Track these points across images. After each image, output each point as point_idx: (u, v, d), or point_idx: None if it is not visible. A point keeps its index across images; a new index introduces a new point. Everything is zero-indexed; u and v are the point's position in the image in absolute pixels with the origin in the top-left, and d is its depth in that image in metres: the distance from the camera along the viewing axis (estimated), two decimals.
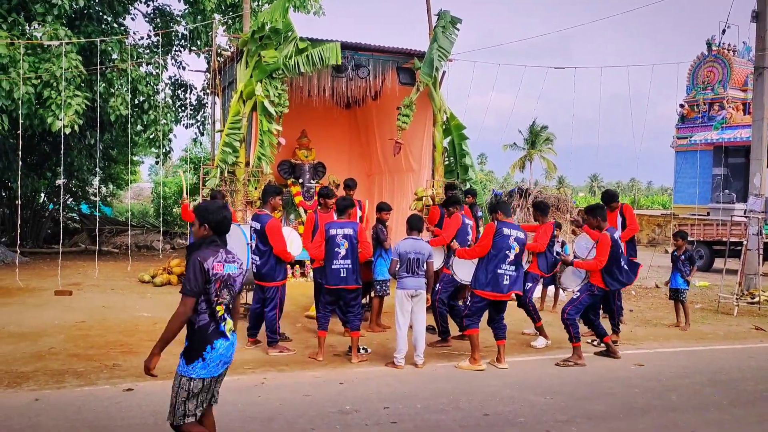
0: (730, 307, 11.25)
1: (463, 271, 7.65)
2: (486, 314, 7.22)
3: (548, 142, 61.07)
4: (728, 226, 14.99)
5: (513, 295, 7.33)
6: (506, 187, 44.90)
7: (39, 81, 12.26)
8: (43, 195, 18.65)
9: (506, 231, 7.04)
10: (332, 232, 7.32)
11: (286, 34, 11.62)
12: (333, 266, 7.25)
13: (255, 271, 7.51)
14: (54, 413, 5.21)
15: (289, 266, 8.16)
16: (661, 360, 7.77)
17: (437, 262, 8.10)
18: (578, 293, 7.53)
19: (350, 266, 7.24)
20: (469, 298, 7.27)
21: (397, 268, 7.08)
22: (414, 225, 7.27)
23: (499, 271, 6.97)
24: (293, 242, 8.03)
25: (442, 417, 5.40)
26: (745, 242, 12.39)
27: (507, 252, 6.98)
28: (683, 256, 9.75)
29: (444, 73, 12.97)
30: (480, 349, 7.12)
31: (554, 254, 8.79)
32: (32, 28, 14.01)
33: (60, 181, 17.12)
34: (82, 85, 12.88)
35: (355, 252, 7.29)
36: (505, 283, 6.99)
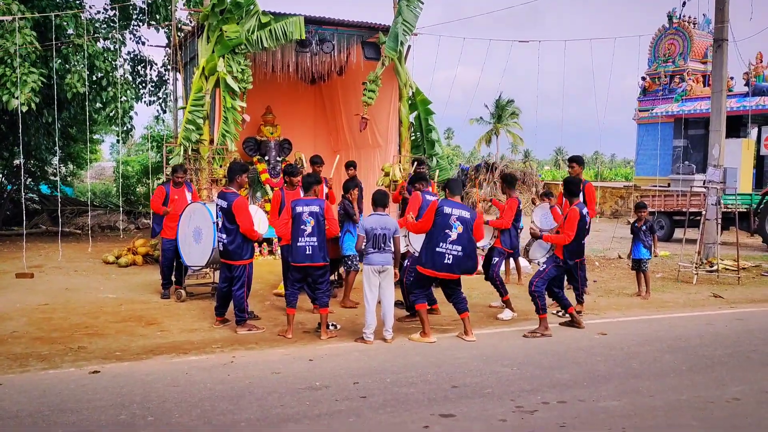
0: (690, 276, 11.55)
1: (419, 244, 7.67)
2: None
3: (514, 117, 61.38)
4: (688, 197, 15.33)
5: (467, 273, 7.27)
6: (473, 162, 45.14)
7: None
8: (0, 175, 18.15)
9: (447, 209, 7.01)
10: (298, 209, 7.29)
11: (247, 8, 11.39)
12: (299, 244, 7.23)
13: (222, 249, 7.45)
14: (18, 397, 5.13)
15: (256, 244, 8.12)
16: (623, 329, 7.96)
17: (404, 242, 8.13)
18: (544, 265, 7.65)
19: (316, 243, 7.22)
20: (413, 273, 7.35)
21: (363, 245, 7.09)
22: (379, 201, 7.27)
23: (438, 249, 6.95)
24: (260, 221, 7.99)
25: (411, 390, 5.47)
26: (704, 212, 12.69)
27: (447, 231, 6.94)
28: (644, 227, 9.96)
29: (409, 47, 12.91)
30: (429, 323, 7.17)
31: (518, 229, 8.89)
32: None
33: (18, 161, 16.66)
34: (38, 61, 12.48)
35: (321, 229, 7.28)
36: (446, 261, 6.94)
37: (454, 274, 7.04)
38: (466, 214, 7.03)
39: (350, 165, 10.42)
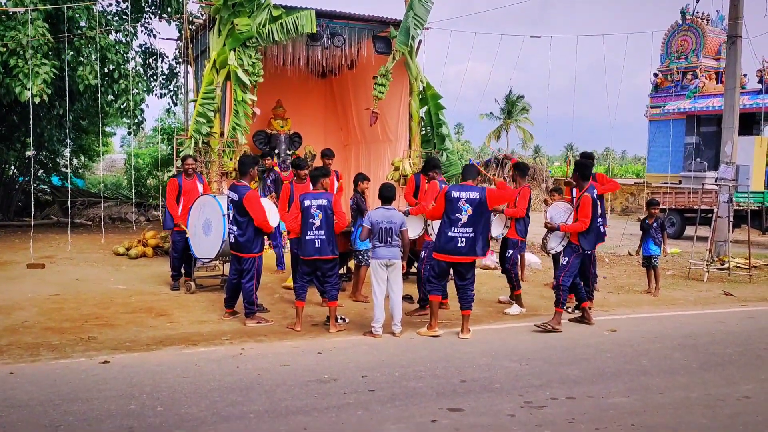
0: (701, 274, 11.48)
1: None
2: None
3: (524, 112, 61.13)
4: (699, 194, 15.23)
5: (487, 262, 7.34)
6: (482, 157, 45.02)
7: (5, 49, 11.91)
8: (12, 167, 18.26)
9: (455, 194, 7.02)
10: (306, 203, 7.30)
11: (259, 1, 11.37)
12: (308, 237, 7.24)
13: (232, 242, 7.47)
14: (29, 387, 5.17)
15: (266, 237, 8.13)
16: (633, 325, 7.93)
17: (416, 230, 8.13)
18: (566, 258, 7.58)
19: (325, 237, 7.23)
20: (430, 263, 7.37)
21: (370, 238, 7.09)
22: (386, 194, 7.27)
23: (450, 233, 6.98)
24: (270, 213, 8.01)
25: (420, 384, 5.47)
26: (715, 210, 12.60)
27: (458, 215, 6.97)
28: (655, 224, 9.91)
29: (420, 41, 12.87)
30: (438, 317, 7.18)
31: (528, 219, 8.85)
32: None
33: (30, 153, 16.73)
34: (50, 53, 12.53)
35: (330, 223, 7.28)
36: (459, 245, 6.97)
37: (467, 256, 7.03)
38: (474, 195, 7.01)
39: (325, 155, 9.81)
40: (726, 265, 11.93)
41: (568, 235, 7.64)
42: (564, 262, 7.58)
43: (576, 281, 7.73)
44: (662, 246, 9.91)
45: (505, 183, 8.52)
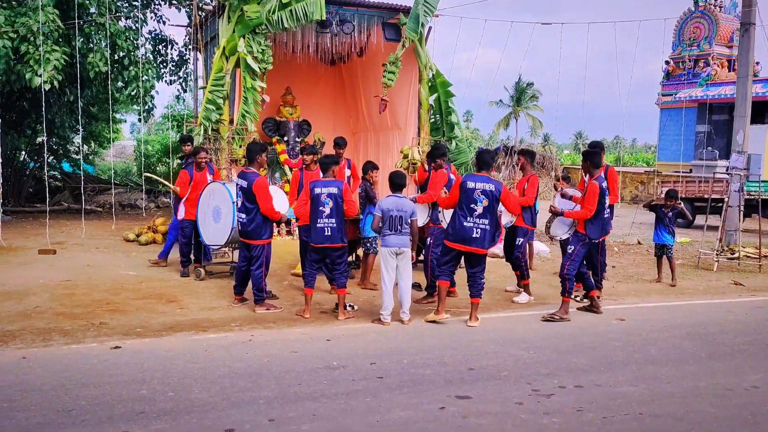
0: (710, 263, 11.44)
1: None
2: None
3: (534, 99, 60.83)
4: (710, 183, 15.12)
5: (495, 251, 7.31)
6: (491, 145, 44.86)
7: (16, 35, 11.95)
8: (23, 153, 18.36)
9: (470, 184, 6.99)
10: (317, 191, 7.31)
11: None
12: (318, 225, 7.26)
13: (241, 229, 7.50)
14: (41, 371, 5.24)
15: (275, 224, 8.16)
16: (641, 315, 7.92)
17: (422, 218, 8.13)
18: (572, 246, 7.58)
19: (335, 225, 7.24)
20: (441, 249, 7.38)
21: (380, 225, 7.09)
22: (397, 182, 7.27)
23: (465, 224, 6.96)
24: (280, 201, 8.03)
25: (428, 372, 5.49)
26: (726, 199, 12.52)
27: (473, 205, 6.95)
28: (671, 213, 9.86)
29: (430, 29, 12.81)
30: (445, 302, 7.20)
31: (536, 209, 8.84)
32: None
33: (41, 139, 16.81)
34: (60, 40, 12.56)
35: (339, 210, 7.29)
36: (474, 236, 6.95)
37: (481, 248, 7.02)
38: (490, 187, 7.00)
39: (337, 144, 9.59)
40: (736, 255, 11.88)
41: (574, 224, 7.63)
42: (570, 251, 7.58)
43: (583, 270, 7.72)
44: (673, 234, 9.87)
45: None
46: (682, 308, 8.39)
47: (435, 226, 8.17)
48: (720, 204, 13.24)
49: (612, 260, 11.54)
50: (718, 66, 27.15)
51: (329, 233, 7.24)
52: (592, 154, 7.69)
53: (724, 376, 5.62)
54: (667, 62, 29.14)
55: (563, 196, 8.45)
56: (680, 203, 10.12)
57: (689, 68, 28.23)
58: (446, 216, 7.79)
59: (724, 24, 27.55)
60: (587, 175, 7.70)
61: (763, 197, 15.28)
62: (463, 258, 7.21)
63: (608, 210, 7.94)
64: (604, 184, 7.52)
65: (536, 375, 5.49)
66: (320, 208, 7.25)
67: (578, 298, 8.26)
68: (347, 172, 9.82)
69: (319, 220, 7.25)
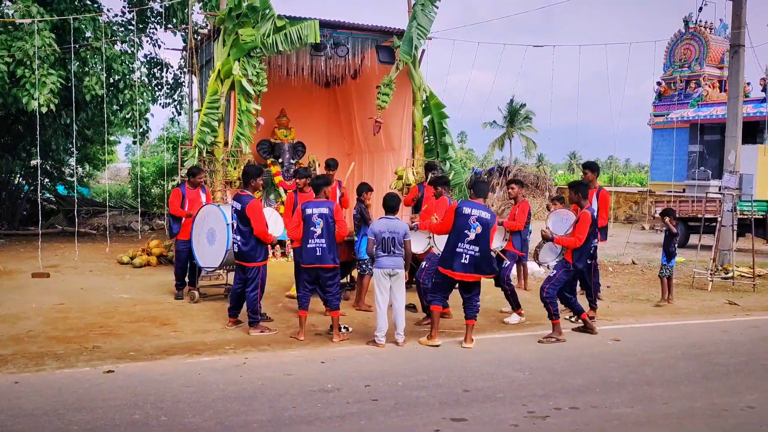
0: (705, 283, 11.45)
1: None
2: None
3: (527, 120, 61.25)
4: (703, 203, 15.18)
5: (484, 277, 7.25)
6: (486, 166, 45.06)
7: (12, 59, 12.02)
8: (18, 176, 18.35)
9: (466, 210, 7.01)
10: (308, 211, 7.32)
11: (263, 12, 11.46)
12: (309, 245, 7.25)
13: (236, 251, 7.49)
14: (34, 396, 5.19)
15: (270, 246, 8.15)
16: (637, 335, 7.92)
17: (422, 245, 8.12)
18: (554, 270, 7.61)
19: (326, 245, 7.23)
20: (434, 275, 7.36)
21: (374, 248, 7.10)
22: (390, 204, 7.30)
23: (457, 249, 6.96)
24: (275, 223, 8.03)
25: (423, 393, 5.47)
26: (719, 218, 12.58)
27: (466, 231, 6.95)
28: (667, 232, 9.91)
29: (423, 51, 12.93)
30: (438, 328, 7.16)
31: (529, 231, 8.86)
32: (3, 5, 13.70)
33: (36, 162, 16.81)
34: (56, 63, 12.64)
35: (331, 231, 7.29)
36: (463, 261, 6.94)
37: (470, 274, 7.00)
38: (486, 215, 7.02)
39: (328, 165, 9.74)
40: (730, 274, 11.90)
41: (563, 252, 7.66)
42: (551, 275, 7.60)
43: (567, 295, 7.72)
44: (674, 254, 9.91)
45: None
46: (678, 328, 8.39)
47: (432, 252, 8.17)
48: (713, 224, 13.30)
49: (607, 280, 11.55)
50: (709, 87, 27.43)
51: (320, 253, 7.22)
52: (580, 186, 7.76)
53: (720, 397, 5.61)
54: (658, 83, 29.44)
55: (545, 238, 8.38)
56: (669, 219, 10.10)
57: (681, 89, 28.51)
58: (436, 241, 7.81)
59: (714, 45, 27.88)
60: (578, 207, 7.72)
61: (756, 217, 15.36)
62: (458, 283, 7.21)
63: (596, 241, 7.98)
64: (595, 215, 7.59)
65: (532, 396, 5.47)
66: (311, 228, 7.25)
67: (572, 319, 8.25)
68: (339, 193, 9.86)
69: (310, 240, 7.25)
